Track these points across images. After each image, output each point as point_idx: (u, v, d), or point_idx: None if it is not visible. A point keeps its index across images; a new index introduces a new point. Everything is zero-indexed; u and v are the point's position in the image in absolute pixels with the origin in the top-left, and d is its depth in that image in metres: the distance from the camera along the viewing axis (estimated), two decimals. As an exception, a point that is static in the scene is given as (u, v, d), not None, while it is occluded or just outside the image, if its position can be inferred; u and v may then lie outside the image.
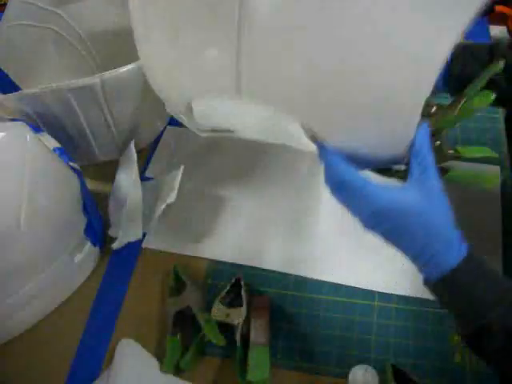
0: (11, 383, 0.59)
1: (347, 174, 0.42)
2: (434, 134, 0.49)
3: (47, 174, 0.55)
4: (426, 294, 0.60)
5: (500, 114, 0.79)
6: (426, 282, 0.45)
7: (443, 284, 0.43)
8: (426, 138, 0.43)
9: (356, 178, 0.42)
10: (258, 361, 0.55)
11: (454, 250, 0.43)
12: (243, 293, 0.60)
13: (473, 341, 0.43)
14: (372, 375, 0.53)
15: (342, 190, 0.43)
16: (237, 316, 0.58)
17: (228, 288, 0.61)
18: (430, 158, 0.43)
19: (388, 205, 0.41)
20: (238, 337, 0.56)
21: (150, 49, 0.50)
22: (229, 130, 0.58)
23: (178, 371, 0.57)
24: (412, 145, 0.42)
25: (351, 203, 0.43)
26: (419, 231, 0.42)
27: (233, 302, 0.61)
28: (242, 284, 0.61)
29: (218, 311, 0.59)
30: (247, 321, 0.58)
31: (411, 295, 0.61)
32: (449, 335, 0.58)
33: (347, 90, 0.39)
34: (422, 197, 0.42)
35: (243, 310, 0.59)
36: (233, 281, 0.61)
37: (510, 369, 0.43)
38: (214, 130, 0.58)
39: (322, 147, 0.42)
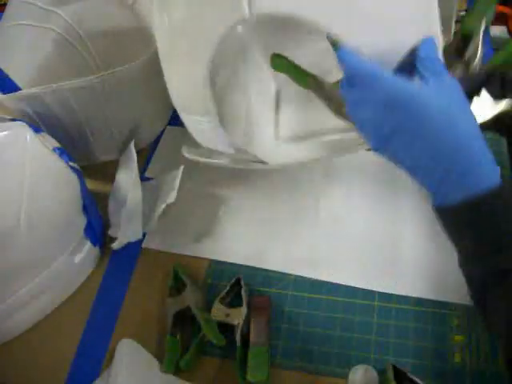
0: (11, 383, 0.59)
1: (360, 63, 0.40)
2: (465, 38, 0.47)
3: (47, 174, 0.55)
4: (426, 294, 0.61)
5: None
6: (440, 206, 0.39)
7: (465, 209, 0.37)
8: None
9: (369, 67, 0.40)
10: (258, 361, 0.54)
11: (486, 170, 0.37)
12: (243, 293, 0.60)
13: (481, 283, 0.38)
14: (372, 375, 0.53)
15: (355, 82, 0.40)
16: (237, 316, 0.58)
17: (228, 288, 0.61)
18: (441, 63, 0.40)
19: (403, 93, 0.38)
20: (237, 337, 0.56)
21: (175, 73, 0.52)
22: (260, 161, 0.57)
23: (178, 371, 0.57)
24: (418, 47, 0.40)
25: (364, 98, 0.40)
26: (441, 133, 0.37)
27: (233, 302, 0.61)
28: (242, 284, 0.61)
29: (218, 311, 0.59)
30: (247, 321, 0.58)
31: (411, 295, 0.61)
32: (449, 335, 0.58)
33: None
34: (442, 92, 0.38)
35: (243, 310, 0.59)
36: (233, 281, 0.61)
37: None
38: (237, 158, 0.57)
39: (339, 48, 0.41)
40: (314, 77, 0.50)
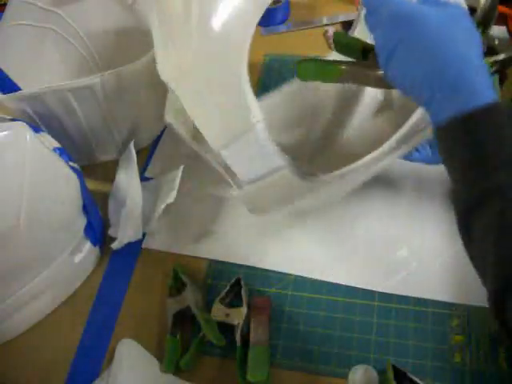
0: (11, 383, 0.59)
1: None
2: None
3: (47, 174, 0.55)
4: (426, 294, 0.61)
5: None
6: (435, 125, 0.40)
7: (455, 125, 0.38)
8: None
9: None
10: (258, 361, 0.54)
11: (478, 88, 0.38)
12: (243, 293, 0.60)
13: (468, 209, 0.38)
14: (372, 375, 0.53)
15: (370, 10, 0.44)
16: (237, 316, 0.58)
17: (228, 288, 0.61)
18: None
19: (405, 8, 0.42)
20: (237, 337, 0.56)
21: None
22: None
23: (177, 371, 0.57)
24: None
25: (376, 21, 0.44)
26: (436, 46, 0.40)
27: (233, 302, 0.61)
28: (242, 284, 0.61)
29: (218, 311, 0.59)
30: (247, 321, 0.58)
31: (411, 295, 0.61)
32: (449, 335, 0.58)
33: None
34: (443, 10, 0.41)
35: (243, 310, 0.59)
36: (233, 281, 0.61)
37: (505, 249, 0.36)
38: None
39: None
40: (346, 62, 0.50)
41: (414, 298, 0.61)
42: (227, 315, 0.58)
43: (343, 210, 0.69)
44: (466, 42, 0.41)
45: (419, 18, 0.41)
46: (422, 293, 0.61)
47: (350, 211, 0.69)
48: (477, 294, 0.60)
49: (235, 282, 0.61)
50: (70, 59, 0.85)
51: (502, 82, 0.66)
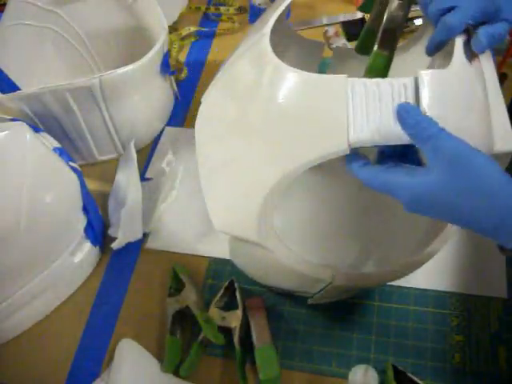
0: (11, 383, 0.59)
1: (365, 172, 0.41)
2: None
3: (47, 174, 0.55)
4: (426, 284, 0.60)
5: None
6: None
7: None
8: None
9: (374, 172, 0.40)
10: (267, 359, 0.54)
11: None
12: (238, 295, 0.60)
13: None
14: (372, 375, 0.53)
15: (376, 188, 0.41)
16: (233, 319, 0.58)
17: (222, 291, 0.60)
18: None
19: (419, 191, 0.37)
20: (235, 339, 0.56)
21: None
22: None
23: (178, 371, 0.57)
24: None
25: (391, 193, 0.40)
26: (474, 210, 0.36)
27: (228, 305, 0.61)
28: (236, 286, 0.61)
29: (214, 315, 0.58)
30: (245, 323, 0.58)
31: (412, 286, 0.61)
32: (449, 335, 0.58)
33: None
34: (450, 172, 0.36)
35: (239, 312, 0.58)
36: (226, 283, 0.61)
37: None
38: None
39: (348, 162, 0.42)
40: None
41: (414, 297, 0.61)
42: (223, 318, 0.58)
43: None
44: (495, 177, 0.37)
45: (437, 196, 0.37)
46: (422, 283, 0.61)
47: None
48: (475, 283, 0.61)
49: (229, 284, 0.61)
50: (69, 59, 0.85)
51: (502, 82, 0.66)
